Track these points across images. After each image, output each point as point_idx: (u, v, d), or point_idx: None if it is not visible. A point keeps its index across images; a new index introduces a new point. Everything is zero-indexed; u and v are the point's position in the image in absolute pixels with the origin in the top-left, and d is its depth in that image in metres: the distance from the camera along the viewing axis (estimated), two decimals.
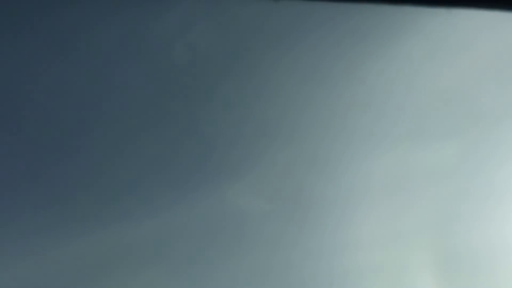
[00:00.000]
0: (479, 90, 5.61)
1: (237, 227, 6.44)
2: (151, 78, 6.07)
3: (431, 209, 5.50)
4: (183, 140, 6.37)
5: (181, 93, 6.44)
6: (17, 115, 5.35)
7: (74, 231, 5.06)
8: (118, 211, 5.38)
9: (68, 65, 5.62)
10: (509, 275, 5.50)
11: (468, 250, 5.66)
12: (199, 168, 6.45)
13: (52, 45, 5.24)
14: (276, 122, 6.40)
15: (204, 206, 6.23)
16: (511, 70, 5.56)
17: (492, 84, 5.57)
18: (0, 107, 5.07)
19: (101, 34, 5.33)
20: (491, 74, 5.55)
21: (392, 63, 5.74)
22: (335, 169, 5.84)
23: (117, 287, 5.50)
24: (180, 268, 5.84)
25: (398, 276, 5.76)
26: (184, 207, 6.10)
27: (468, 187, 5.56)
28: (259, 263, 6.31)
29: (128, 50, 5.77)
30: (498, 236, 5.63)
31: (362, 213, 5.84)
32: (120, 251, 5.31)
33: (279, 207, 6.38)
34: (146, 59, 5.86)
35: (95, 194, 5.24)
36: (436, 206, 5.57)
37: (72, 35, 5.37)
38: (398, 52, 5.80)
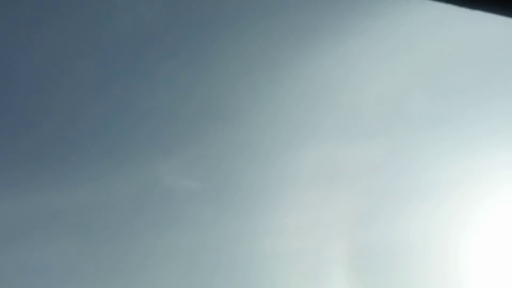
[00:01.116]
0: (411, 94, 5.88)
1: (163, 203, 6.42)
2: (94, 47, 5.94)
3: (353, 203, 5.73)
4: (120, 112, 6.27)
5: (123, 65, 6.33)
6: None
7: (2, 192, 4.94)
8: (50, 176, 5.30)
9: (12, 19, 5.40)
10: (419, 271, 5.80)
11: (383, 245, 5.92)
12: (133, 141, 6.35)
13: None
14: (215, 105, 6.40)
15: (134, 179, 6.17)
16: (445, 78, 5.85)
17: (424, 90, 5.85)
18: None
19: None
20: (425, 80, 5.83)
21: (334, 61, 5.90)
22: (267, 157, 5.95)
23: (31, 251, 5.42)
24: (104, 238, 5.80)
25: (314, 264, 5.95)
26: (115, 179, 6.04)
27: (389, 186, 5.83)
28: (179, 240, 6.33)
29: (73, 16, 5.63)
30: (413, 234, 5.92)
31: (287, 202, 5.99)
32: (46, 215, 5.23)
33: (207, 188, 6.40)
34: (91, 26, 5.73)
35: (30, 157, 5.14)
36: (357, 201, 5.80)
37: None
38: (340, 50, 5.98)
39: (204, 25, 6.13)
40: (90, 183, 5.74)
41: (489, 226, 5.95)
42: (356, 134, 6.12)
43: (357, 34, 5.88)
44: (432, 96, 6.09)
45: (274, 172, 6.27)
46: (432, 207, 6.10)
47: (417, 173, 6.16)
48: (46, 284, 5.18)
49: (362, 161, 6.12)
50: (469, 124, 6.02)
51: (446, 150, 6.05)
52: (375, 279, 6.05)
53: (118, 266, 5.69)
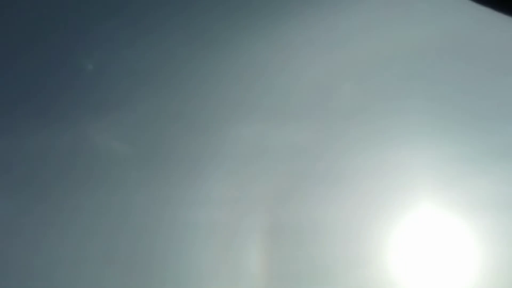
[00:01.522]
0: (343, 85, 6.23)
1: (91, 163, 6.44)
2: (29, 4, 5.78)
3: (275, 182, 6.05)
4: (53, 70, 6.18)
5: (58, 21, 6.21)
6: None
7: None
8: None
9: None
10: (329, 249, 6.24)
11: (298, 223, 6.32)
12: (64, 100, 6.30)
13: None
14: (153, 70, 6.45)
15: (63, 138, 6.15)
16: (376, 74, 6.23)
17: (355, 82, 6.21)
18: None
19: None
20: (358, 73, 6.18)
21: (275, 46, 6.09)
22: (199, 129, 6.12)
23: None
24: (29, 194, 5.76)
25: (233, 236, 6.25)
26: (43, 136, 5.98)
27: (310, 168, 6.19)
28: (105, 202, 6.40)
29: None
30: (326, 214, 6.36)
31: (214, 174, 6.21)
32: None
33: (136, 153, 6.49)
34: None
35: None
36: (280, 180, 6.13)
37: None
38: (282, 36, 6.18)
39: None
40: (18, 139, 5.64)
41: (396, 215, 6.52)
42: (286, 116, 6.41)
43: (299, 22, 6.11)
44: (361, 89, 6.48)
45: (204, 144, 6.45)
46: (347, 192, 6.56)
47: (338, 159, 6.57)
48: None
49: (289, 142, 6.44)
50: (393, 119, 6.48)
51: (367, 141, 6.49)
52: (288, 253, 6.47)
53: (42, 222, 5.69)
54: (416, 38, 6.37)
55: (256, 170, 6.49)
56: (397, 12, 6.35)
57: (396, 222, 6.54)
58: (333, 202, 6.48)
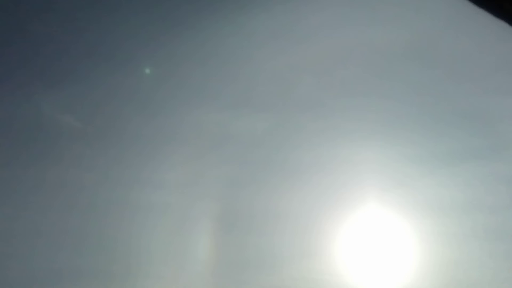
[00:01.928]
0: (303, 79, 6.31)
1: (42, 137, 6.28)
2: None
3: (230, 169, 6.10)
4: (6, 40, 5.95)
5: None
6: None
7: None
8: None
9: None
10: (277, 238, 6.33)
11: (249, 210, 6.39)
12: (19, 72, 6.11)
13: None
14: (112, 47, 6.31)
15: (14, 109, 5.97)
16: (337, 70, 6.32)
17: (315, 78, 6.31)
18: None
19: None
20: (319, 69, 6.27)
21: (241, 37, 6.10)
22: (156, 111, 6.06)
23: None
24: None
25: (184, 219, 6.27)
26: None
27: (266, 158, 6.26)
28: (54, 176, 6.26)
29: None
30: (279, 204, 6.44)
31: (169, 158, 6.19)
32: None
33: (89, 129, 6.36)
34: None
35: None
36: (234, 168, 6.18)
37: None
38: (249, 27, 6.18)
39: None
40: None
41: (344, 210, 6.70)
42: (246, 106, 6.45)
43: (266, 14, 6.14)
44: (321, 84, 6.59)
45: (161, 126, 6.40)
46: (300, 184, 6.69)
47: (294, 151, 6.69)
48: None
49: (247, 131, 6.49)
50: (349, 116, 6.64)
51: (322, 135, 6.63)
52: (238, 240, 6.55)
53: None
54: (379, 39, 6.53)
55: (213, 156, 6.51)
56: (363, 12, 6.49)
57: (344, 216, 6.73)
58: (286, 193, 6.60)
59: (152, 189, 6.42)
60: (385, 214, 6.74)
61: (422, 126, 6.82)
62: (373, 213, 6.72)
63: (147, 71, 6.27)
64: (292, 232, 6.68)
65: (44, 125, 6.19)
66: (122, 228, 6.21)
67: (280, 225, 6.67)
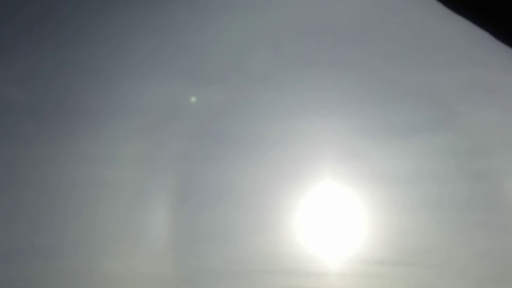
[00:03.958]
0: (257, 52, 6.26)
1: None
2: None
3: (186, 143, 6.00)
4: None
5: None
6: None
7: None
8: None
9: None
10: (233, 212, 6.31)
11: (205, 185, 6.32)
12: None
13: None
14: (64, 18, 6.05)
15: None
16: (290, 45, 6.29)
17: (270, 51, 6.27)
18: None
19: None
20: (273, 42, 6.23)
21: (194, 8, 5.96)
22: (106, 82, 5.88)
23: None
24: None
25: (138, 194, 6.14)
26: None
27: (223, 132, 6.20)
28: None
29: None
30: (235, 178, 6.40)
31: (120, 131, 6.02)
32: None
33: (34, 103, 6.12)
34: None
35: None
36: (191, 141, 6.09)
37: None
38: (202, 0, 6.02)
39: None
40: None
41: (299, 183, 6.75)
42: (199, 78, 6.35)
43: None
44: (274, 56, 6.57)
45: (113, 100, 6.21)
46: (255, 157, 6.68)
47: (248, 124, 6.65)
48: None
49: (201, 104, 6.40)
50: (302, 88, 6.66)
51: (276, 108, 6.62)
52: (195, 214, 6.48)
53: None
54: (332, 12, 6.56)
55: (166, 130, 6.39)
56: None
57: (299, 188, 6.78)
58: (241, 166, 6.57)
59: (104, 164, 6.24)
60: (340, 186, 6.84)
61: (374, 99, 6.93)
62: (328, 184, 6.81)
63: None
64: (248, 206, 6.68)
65: None
66: (74, 205, 6.02)
67: (236, 198, 6.65)
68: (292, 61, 6.79)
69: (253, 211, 6.62)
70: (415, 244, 6.77)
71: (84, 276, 5.85)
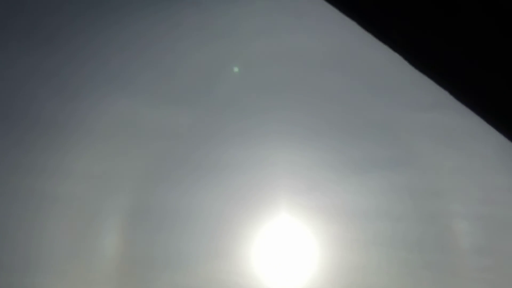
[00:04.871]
0: (227, 72, 6.17)
1: None
2: None
3: (146, 162, 5.86)
4: None
5: None
6: None
7: None
8: None
9: None
10: (188, 237, 6.20)
11: (163, 207, 6.17)
12: None
13: None
14: (33, 25, 5.81)
15: None
16: (262, 66, 6.26)
17: (240, 71, 6.17)
18: None
19: None
20: (244, 62, 6.16)
21: (166, 26, 5.84)
22: (73, 97, 5.68)
23: None
24: None
25: (91, 212, 5.94)
26: None
27: (185, 154, 6.09)
28: None
29: None
30: (192, 203, 6.29)
31: (81, 146, 5.82)
32: None
33: None
34: None
35: None
36: (151, 161, 5.96)
37: None
38: (174, 17, 5.92)
39: None
40: None
41: (257, 213, 6.70)
42: (168, 99, 6.22)
43: (197, 9, 5.94)
44: (244, 82, 6.51)
45: (75, 113, 6.00)
46: (215, 183, 6.58)
47: (211, 148, 6.56)
48: None
49: (166, 125, 6.26)
50: (269, 117, 6.62)
51: (241, 134, 6.55)
52: (148, 237, 6.32)
53: None
54: (303, 45, 6.56)
55: (129, 148, 6.22)
56: (291, 18, 6.47)
57: (255, 218, 6.72)
58: (200, 191, 6.46)
59: (59, 178, 6.01)
60: (297, 217, 6.82)
61: (339, 133, 6.97)
62: (285, 215, 6.78)
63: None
64: (203, 232, 6.57)
65: None
66: (23, 219, 5.76)
67: (191, 224, 6.54)
68: (261, 89, 6.76)
69: (207, 237, 6.52)
70: (365, 281, 6.83)
71: None
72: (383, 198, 7.03)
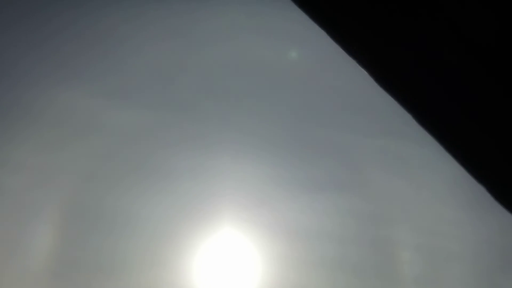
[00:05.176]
0: (186, 75, 5.97)
1: None
2: None
3: (90, 161, 5.54)
4: None
5: None
6: None
7: None
8: None
9: None
10: (126, 243, 5.93)
11: (103, 209, 5.88)
12: None
13: None
14: None
15: None
16: (224, 72, 6.08)
17: (200, 75, 5.99)
18: None
19: None
20: (204, 67, 5.96)
21: (132, 24, 5.58)
22: (20, 86, 5.32)
23: None
24: None
25: (24, 206, 5.58)
26: None
27: (134, 156, 5.81)
28: None
29: None
30: (134, 207, 6.02)
31: (22, 136, 5.47)
32: None
33: None
34: None
35: None
36: (96, 161, 5.64)
37: None
38: (142, 17, 5.67)
39: None
40: None
41: (202, 224, 6.46)
42: (123, 98, 5.93)
43: (166, 12, 5.71)
44: (205, 89, 6.29)
45: (20, 102, 5.61)
46: (161, 187, 6.31)
47: (163, 152, 6.29)
48: None
49: (118, 125, 5.96)
50: (224, 124, 6.42)
51: (195, 140, 6.32)
52: (84, 239, 5.98)
53: None
54: (270, 59, 6.42)
55: (75, 144, 5.86)
56: (261, 28, 6.32)
57: (200, 229, 6.49)
58: (145, 196, 6.17)
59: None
60: (243, 232, 6.62)
61: (289, 151, 6.84)
62: (230, 229, 6.57)
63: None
64: (142, 238, 6.27)
65: None
66: None
67: (130, 228, 6.22)
68: (220, 97, 6.56)
69: (147, 245, 6.22)
70: None
71: None
72: (330, 220, 6.94)
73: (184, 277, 6.37)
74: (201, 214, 6.56)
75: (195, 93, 6.33)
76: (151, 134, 6.21)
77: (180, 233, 6.46)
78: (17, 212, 5.79)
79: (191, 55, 6.18)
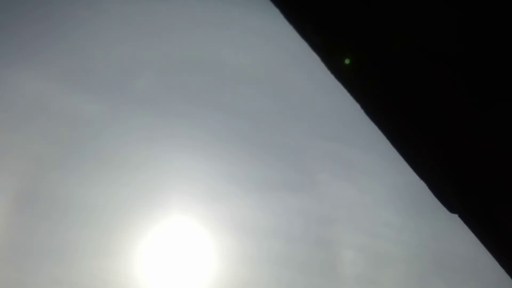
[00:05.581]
0: (146, 71, 6.00)
1: None
2: None
3: (44, 146, 5.53)
4: None
5: None
6: None
7: None
8: None
9: None
10: (77, 230, 5.92)
11: (54, 196, 5.87)
12: None
13: None
14: None
15: None
16: (178, 70, 6.14)
17: (158, 72, 6.04)
18: None
19: None
20: (163, 64, 6.01)
21: (92, 12, 5.58)
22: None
23: None
24: None
25: None
26: None
27: (88, 143, 5.80)
28: None
29: None
30: (87, 195, 6.02)
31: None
32: None
33: None
34: None
35: None
36: (49, 146, 5.63)
37: None
38: (102, 5, 5.67)
39: None
40: None
41: (155, 215, 6.51)
42: (78, 84, 5.91)
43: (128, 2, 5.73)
44: (162, 83, 6.34)
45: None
46: (112, 177, 6.32)
47: (115, 141, 6.30)
48: None
49: (72, 111, 5.93)
50: (181, 121, 6.48)
51: (149, 133, 6.36)
52: (33, 224, 5.94)
53: None
54: (227, 56, 6.52)
55: (26, 129, 5.81)
56: (220, 28, 6.40)
57: (150, 222, 6.53)
58: (95, 184, 6.17)
59: None
60: (194, 226, 6.70)
61: (245, 149, 6.97)
62: (182, 222, 6.64)
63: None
64: (92, 227, 6.28)
65: None
66: None
67: (81, 217, 6.22)
68: (179, 93, 6.62)
69: (96, 234, 6.23)
70: None
71: None
72: (280, 218, 7.10)
73: (132, 267, 6.41)
74: (153, 206, 6.61)
75: (152, 85, 6.38)
76: (105, 123, 6.22)
77: (131, 224, 6.49)
78: None
79: (149, 46, 6.22)
